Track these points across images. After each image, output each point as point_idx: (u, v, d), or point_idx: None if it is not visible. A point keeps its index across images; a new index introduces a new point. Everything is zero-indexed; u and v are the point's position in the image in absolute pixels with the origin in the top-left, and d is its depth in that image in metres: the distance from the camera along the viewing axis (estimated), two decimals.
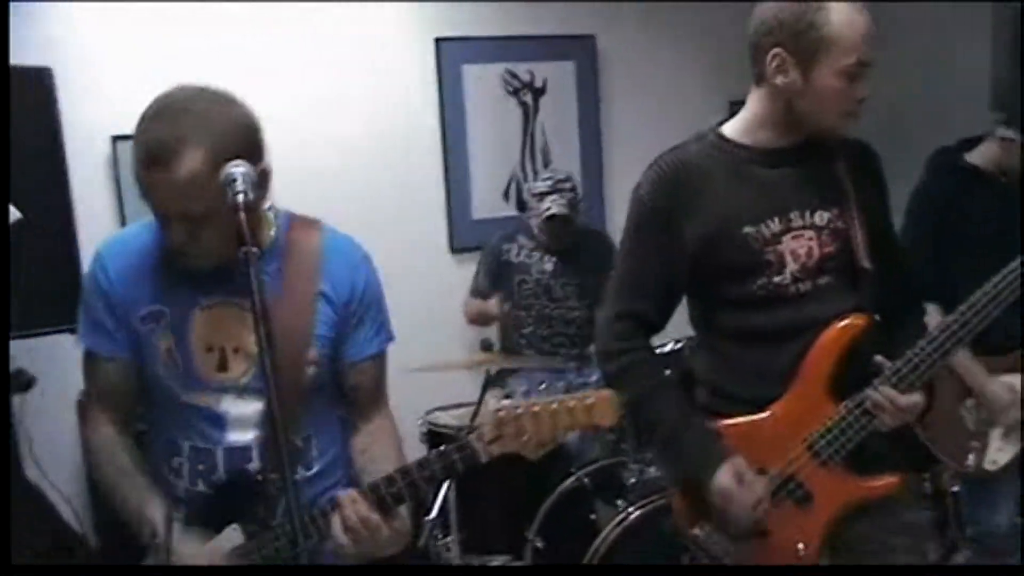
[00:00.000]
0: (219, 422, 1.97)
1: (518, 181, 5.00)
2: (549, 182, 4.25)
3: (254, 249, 1.60)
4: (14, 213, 2.85)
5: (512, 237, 4.44)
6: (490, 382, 3.86)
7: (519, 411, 1.89)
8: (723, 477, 2.18)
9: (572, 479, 3.71)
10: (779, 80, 2.14)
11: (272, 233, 2.02)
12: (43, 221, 3.52)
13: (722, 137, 2.25)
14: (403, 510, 1.97)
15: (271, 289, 1.89)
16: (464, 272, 4.64)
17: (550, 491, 3.71)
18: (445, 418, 4.17)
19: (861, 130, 2.24)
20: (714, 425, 2.25)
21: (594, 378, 4.00)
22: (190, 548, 1.93)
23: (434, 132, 4.88)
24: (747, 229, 2.17)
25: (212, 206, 1.75)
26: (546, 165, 4.99)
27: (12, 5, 3.55)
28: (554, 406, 1.90)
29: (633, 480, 3.63)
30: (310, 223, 2.08)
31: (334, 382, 2.09)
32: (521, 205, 4.91)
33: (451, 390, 4.31)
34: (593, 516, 3.71)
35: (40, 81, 3.68)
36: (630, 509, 3.49)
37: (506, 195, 5.01)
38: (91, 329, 2.02)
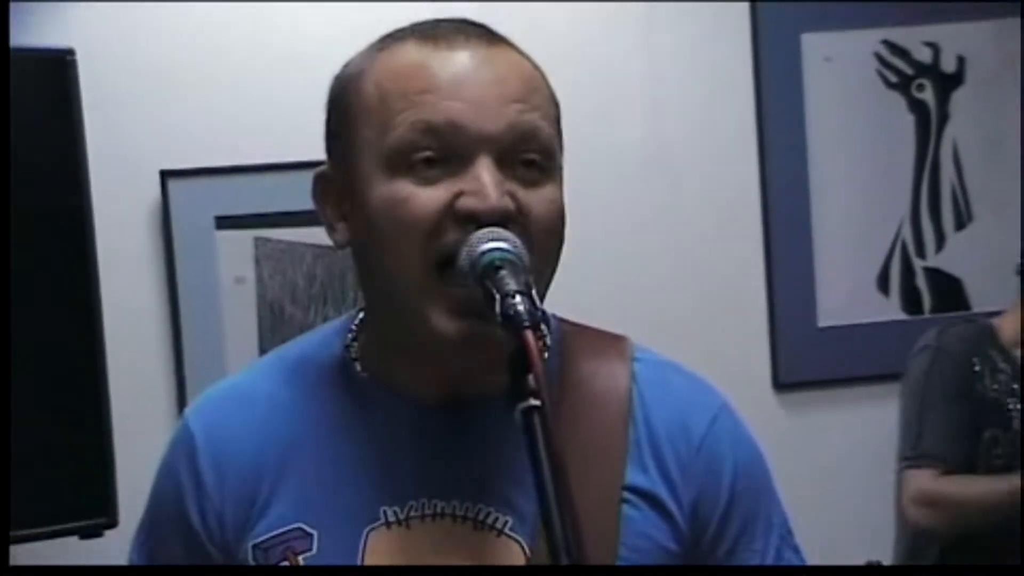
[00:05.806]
0: None
1: (907, 253, 3.54)
2: None
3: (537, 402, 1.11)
4: None
5: (978, 344, 3.22)
6: None
7: None
8: None
9: None
10: None
11: None
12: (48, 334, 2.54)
13: None
14: None
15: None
16: (802, 425, 3.43)
17: None
18: None
19: None
20: None
21: None
22: None
23: (746, 158, 3.52)
24: None
25: None
26: (961, 223, 3.54)
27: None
28: None
29: None
30: (605, 341, 1.43)
31: None
32: (912, 299, 3.56)
33: None
34: None
35: (57, 76, 2.61)
36: None
37: (884, 281, 3.55)
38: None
